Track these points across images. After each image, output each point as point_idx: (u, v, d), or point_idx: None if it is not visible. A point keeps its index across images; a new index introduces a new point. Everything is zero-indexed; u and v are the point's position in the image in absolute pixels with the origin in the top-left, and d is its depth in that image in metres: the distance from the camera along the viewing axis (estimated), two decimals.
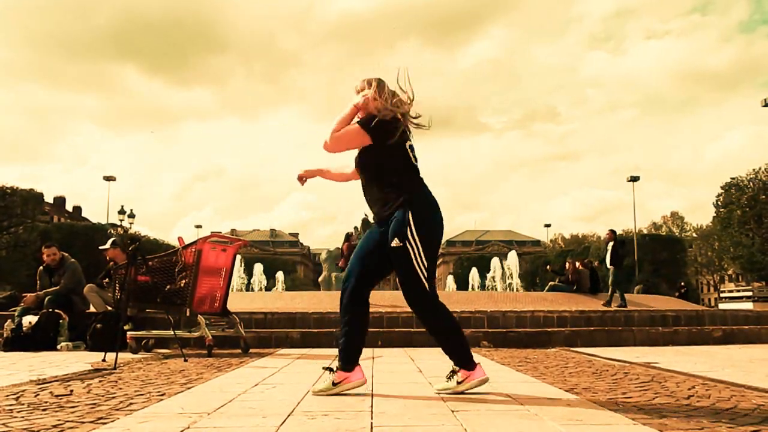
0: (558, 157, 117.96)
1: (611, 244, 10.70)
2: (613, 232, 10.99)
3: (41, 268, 6.30)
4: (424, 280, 2.47)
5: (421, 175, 2.63)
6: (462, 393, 2.51)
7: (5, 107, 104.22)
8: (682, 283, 26.48)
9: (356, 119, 2.60)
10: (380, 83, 2.63)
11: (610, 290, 9.97)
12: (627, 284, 10.60)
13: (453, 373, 2.56)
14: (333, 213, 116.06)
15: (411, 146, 2.62)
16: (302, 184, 2.91)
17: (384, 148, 2.53)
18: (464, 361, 2.52)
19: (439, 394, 2.55)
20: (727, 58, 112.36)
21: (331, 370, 2.57)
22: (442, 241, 2.77)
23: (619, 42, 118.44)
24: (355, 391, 2.60)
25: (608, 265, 10.44)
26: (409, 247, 2.44)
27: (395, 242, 2.46)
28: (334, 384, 2.53)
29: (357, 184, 2.74)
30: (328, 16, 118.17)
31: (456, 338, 2.56)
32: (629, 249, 36.55)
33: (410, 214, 2.46)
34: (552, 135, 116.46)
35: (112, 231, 28.78)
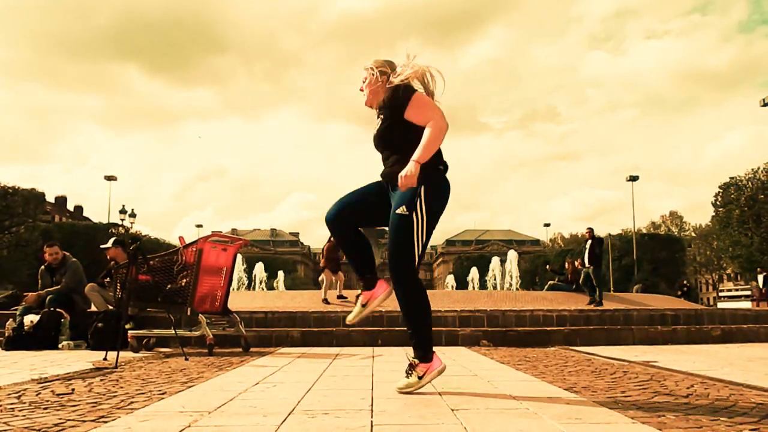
0: (558, 157, 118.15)
1: (589, 242, 10.70)
2: (591, 230, 10.98)
3: (43, 267, 6.32)
4: (416, 254, 2.47)
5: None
6: (423, 386, 2.51)
7: (6, 107, 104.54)
8: (684, 282, 26.39)
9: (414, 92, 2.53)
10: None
11: (598, 290, 9.97)
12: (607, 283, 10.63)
13: (411, 367, 2.53)
14: None
15: None
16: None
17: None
18: (425, 350, 2.52)
19: (401, 392, 2.51)
20: (726, 58, 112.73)
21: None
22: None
23: (619, 42, 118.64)
24: (355, 389, 2.61)
25: (586, 264, 10.42)
26: (415, 218, 2.44)
27: (402, 209, 2.44)
28: (363, 306, 2.66)
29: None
30: (328, 16, 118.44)
31: (426, 320, 2.55)
32: (628, 249, 36.58)
33: (423, 188, 2.44)
34: (552, 135, 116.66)
35: (113, 230, 28.80)
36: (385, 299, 2.66)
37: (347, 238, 2.65)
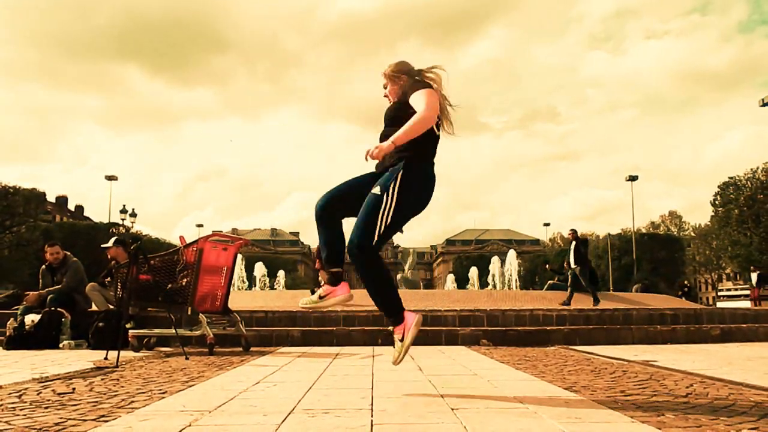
0: (558, 156, 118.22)
1: (573, 243, 10.71)
2: (574, 231, 11.00)
3: (44, 266, 6.33)
4: (377, 233, 2.49)
5: (437, 150, 2.66)
6: (408, 346, 2.56)
7: (7, 107, 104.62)
8: (685, 282, 26.34)
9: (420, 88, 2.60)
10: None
11: (591, 290, 9.95)
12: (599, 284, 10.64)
13: (392, 336, 2.61)
14: None
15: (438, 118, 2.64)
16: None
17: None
18: (393, 314, 2.56)
19: (396, 364, 2.65)
20: (726, 58, 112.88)
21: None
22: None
23: (619, 42, 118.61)
24: (355, 389, 2.61)
25: (572, 265, 10.41)
26: (384, 199, 2.48)
27: (376, 189, 2.52)
28: (320, 298, 2.67)
29: None
30: (328, 16, 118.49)
31: (387, 290, 2.57)
32: (628, 248, 36.57)
33: (400, 176, 2.50)
34: (552, 135, 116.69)
35: (114, 230, 28.83)
36: (342, 302, 2.70)
37: (329, 228, 2.69)
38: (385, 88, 2.80)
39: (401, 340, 2.56)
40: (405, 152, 2.53)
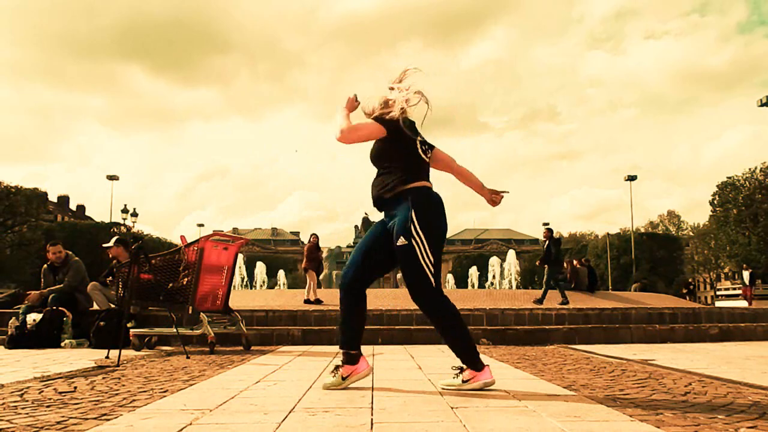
0: (558, 156, 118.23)
1: (546, 243, 10.79)
2: (549, 231, 11.08)
3: (45, 265, 6.34)
4: (430, 275, 2.50)
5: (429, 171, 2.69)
6: (464, 391, 2.52)
7: (12, 107, 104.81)
8: (690, 280, 26.06)
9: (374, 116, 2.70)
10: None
11: (545, 288, 9.98)
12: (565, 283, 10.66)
13: (461, 370, 2.58)
14: (335, 211, 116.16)
15: (422, 141, 2.69)
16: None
17: (394, 142, 2.62)
18: (471, 361, 2.55)
19: (444, 390, 2.57)
20: (725, 58, 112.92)
21: (337, 367, 2.63)
22: None
23: (619, 42, 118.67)
24: (356, 386, 2.63)
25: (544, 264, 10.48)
26: (414, 244, 2.48)
27: (401, 241, 2.50)
28: (343, 379, 2.60)
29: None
30: (331, 17, 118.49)
31: (462, 336, 2.58)
32: (627, 248, 36.56)
33: (413, 212, 2.50)
34: (552, 135, 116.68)
35: (115, 230, 28.89)
36: (364, 377, 2.66)
37: (359, 299, 2.64)
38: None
39: (465, 381, 2.54)
40: (400, 187, 2.56)
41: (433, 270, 2.50)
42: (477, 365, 2.54)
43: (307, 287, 9.51)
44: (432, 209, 2.56)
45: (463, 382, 2.54)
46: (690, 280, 26.55)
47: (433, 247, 2.50)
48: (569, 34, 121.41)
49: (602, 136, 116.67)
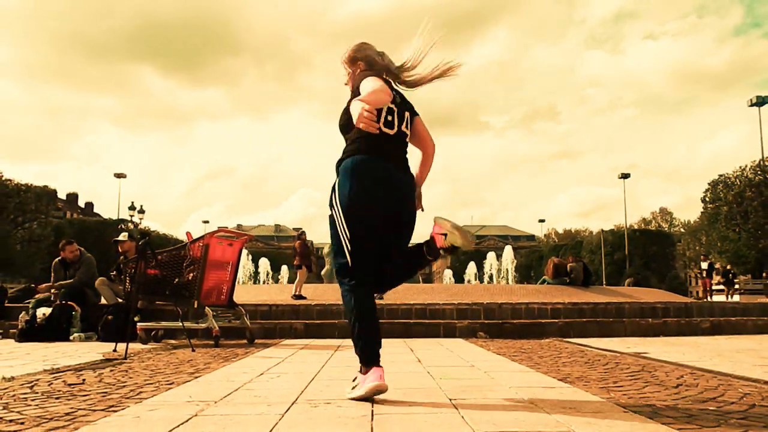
0: (558, 155, 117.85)
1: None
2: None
3: (56, 260, 6.45)
4: (346, 251, 2.22)
5: (393, 143, 2.28)
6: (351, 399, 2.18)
7: (26, 108, 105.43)
8: (728, 267, 23.57)
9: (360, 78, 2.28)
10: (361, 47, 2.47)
11: None
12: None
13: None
14: None
15: (390, 108, 2.28)
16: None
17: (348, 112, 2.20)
18: (361, 359, 2.19)
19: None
20: (722, 59, 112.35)
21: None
22: None
23: (618, 43, 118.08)
24: None
25: None
26: (334, 214, 2.25)
27: (329, 211, 2.29)
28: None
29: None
30: (338, 18, 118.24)
31: (356, 326, 2.19)
32: (620, 244, 36.54)
33: (336, 182, 2.28)
34: (552, 134, 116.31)
35: (122, 226, 29.04)
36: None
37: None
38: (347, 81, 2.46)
39: (352, 389, 2.21)
40: (341, 160, 2.29)
41: (350, 247, 2.21)
42: (366, 364, 2.17)
43: (296, 282, 9.65)
44: (357, 179, 2.19)
45: (351, 389, 2.22)
46: (728, 266, 25.04)
47: (350, 220, 2.20)
48: (569, 34, 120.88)
49: (602, 136, 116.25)
